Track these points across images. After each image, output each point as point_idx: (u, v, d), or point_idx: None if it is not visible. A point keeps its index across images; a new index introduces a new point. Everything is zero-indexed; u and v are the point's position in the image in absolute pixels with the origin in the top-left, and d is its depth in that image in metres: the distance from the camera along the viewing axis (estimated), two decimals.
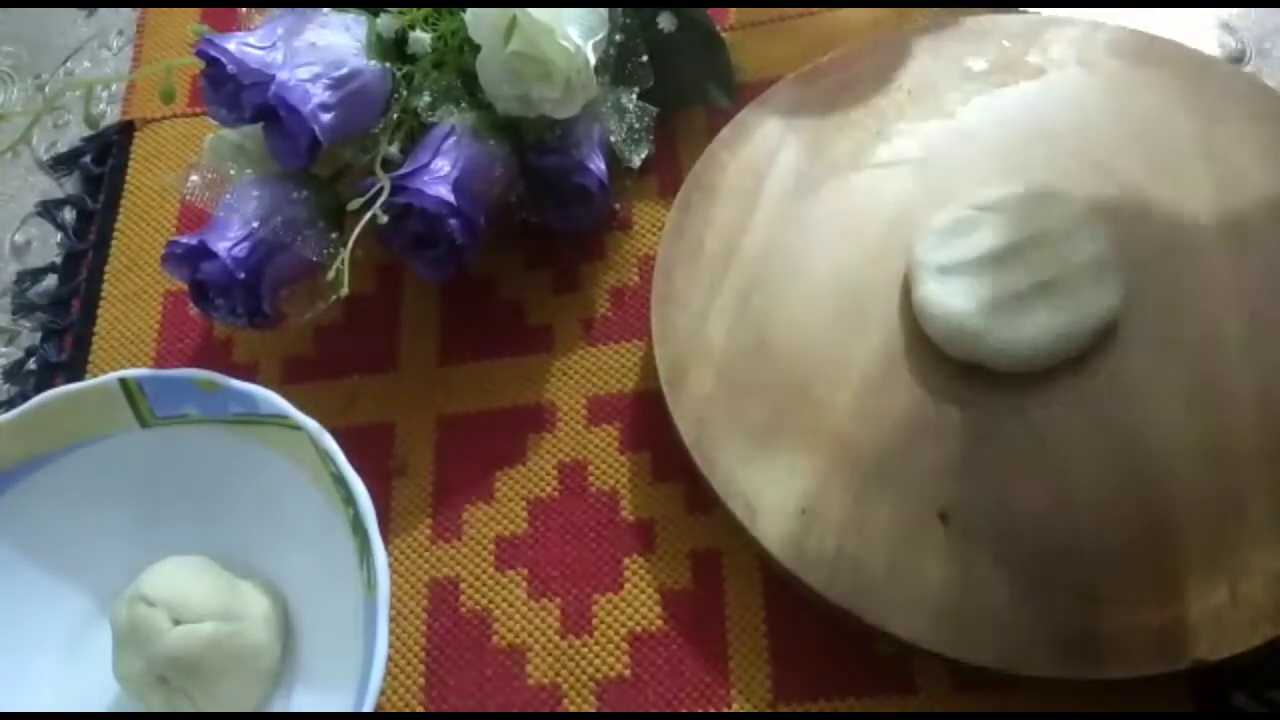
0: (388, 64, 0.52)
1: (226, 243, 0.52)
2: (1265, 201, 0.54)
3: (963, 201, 0.54)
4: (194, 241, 0.52)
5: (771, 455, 0.51)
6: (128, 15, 0.76)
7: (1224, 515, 0.47)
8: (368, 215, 0.50)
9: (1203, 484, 0.48)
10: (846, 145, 0.58)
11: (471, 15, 0.51)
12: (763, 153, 0.58)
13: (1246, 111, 0.56)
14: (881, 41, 0.61)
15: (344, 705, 0.46)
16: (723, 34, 0.61)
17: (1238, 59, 0.61)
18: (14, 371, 0.63)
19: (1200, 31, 0.62)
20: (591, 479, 0.54)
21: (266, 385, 0.51)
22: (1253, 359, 0.50)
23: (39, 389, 0.61)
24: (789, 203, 0.57)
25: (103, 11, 0.77)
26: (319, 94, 0.50)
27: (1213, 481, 0.48)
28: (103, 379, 0.53)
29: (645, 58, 0.56)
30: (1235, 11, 0.62)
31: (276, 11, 0.53)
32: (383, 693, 0.46)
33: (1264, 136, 0.55)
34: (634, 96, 0.56)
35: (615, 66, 0.56)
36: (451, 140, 0.52)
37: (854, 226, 0.56)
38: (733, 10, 0.65)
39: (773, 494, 0.50)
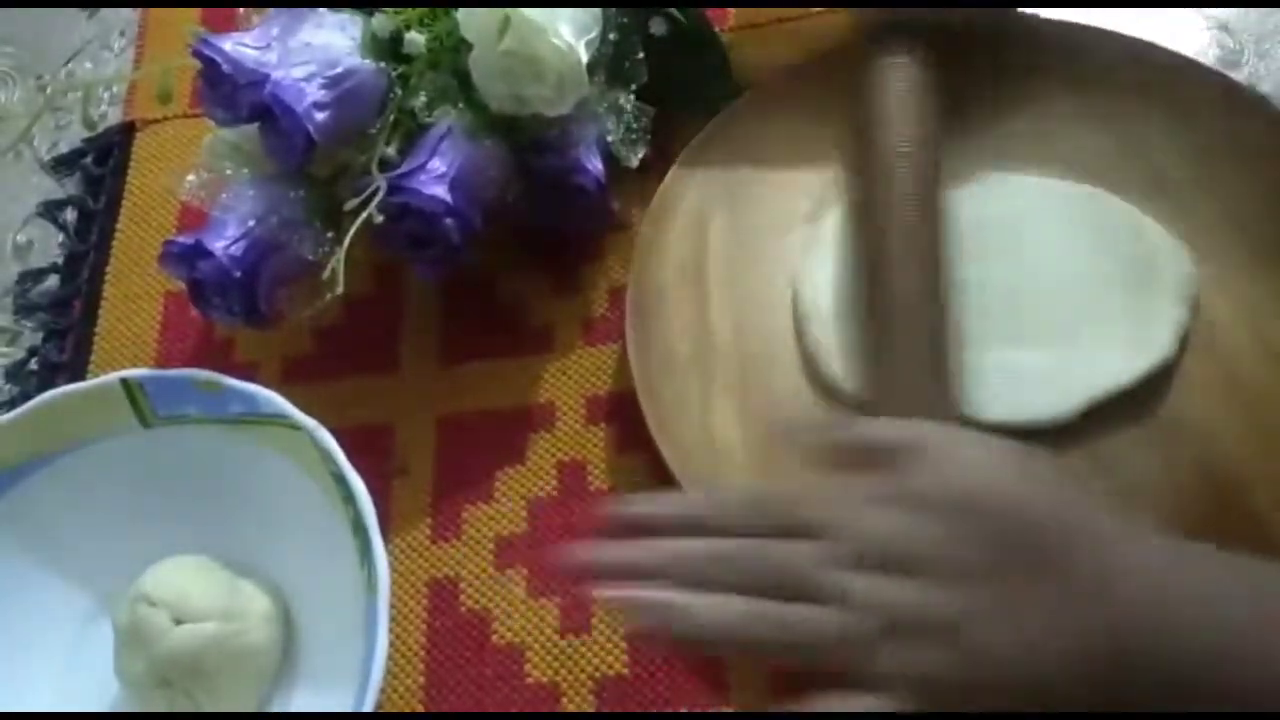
0: (383, 64, 0.52)
1: (223, 242, 0.52)
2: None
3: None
4: (191, 241, 0.52)
5: None
6: (129, 16, 0.76)
7: None
8: (363, 215, 0.50)
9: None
10: (771, 203, 0.58)
11: (464, 14, 0.51)
12: (694, 233, 0.57)
13: (1220, 109, 0.56)
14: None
15: (344, 704, 0.46)
16: (722, 35, 0.61)
17: (1235, 60, 0.61)
18: (16, 372, 0.64)
19: (1197, 33, 0.62)
20: (591, 478, 0.54)
21: (267, 385, 0.51)
22: None
23: (41, 389, 0.60)
24: (739, 276, 0.56)
25: (104, 12, 0.77)
26: (314, 93, 0.50)
27: None
28: (104, 379, 0.53)
29: (640, 55, 0.56)
30: (1233, 12, 0.62)
31: (272, 11, 0.53)
32: (383, 692, 0.46)
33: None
34: (631, 97, 0.56)
35: (610, 66, 0.56)
36: (447, 140, 0.52)
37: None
38: (732, 11, 0.65)
39: None
